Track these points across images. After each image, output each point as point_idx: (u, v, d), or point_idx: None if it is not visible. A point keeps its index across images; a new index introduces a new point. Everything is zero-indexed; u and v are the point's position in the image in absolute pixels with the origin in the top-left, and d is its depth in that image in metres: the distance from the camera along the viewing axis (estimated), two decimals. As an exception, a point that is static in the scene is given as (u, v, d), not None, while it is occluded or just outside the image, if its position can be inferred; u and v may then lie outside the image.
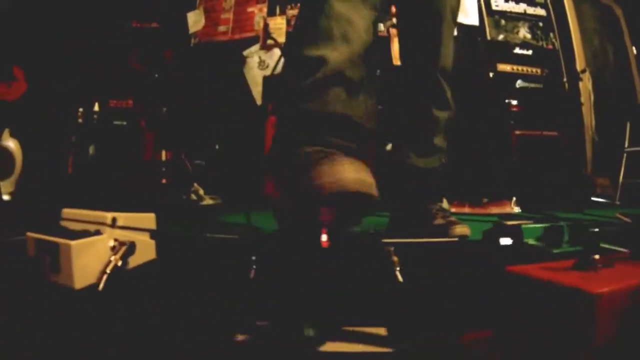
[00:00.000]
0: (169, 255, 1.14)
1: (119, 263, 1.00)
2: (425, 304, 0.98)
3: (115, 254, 1.01)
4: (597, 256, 0.93)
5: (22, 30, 3.78)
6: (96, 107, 4.04)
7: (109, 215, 1.09)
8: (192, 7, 4.54)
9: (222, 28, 4.42)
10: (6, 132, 3.51)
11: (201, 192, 3.29)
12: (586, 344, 0.80)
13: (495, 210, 2.90)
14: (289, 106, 1.35)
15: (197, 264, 1.15)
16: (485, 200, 3.04)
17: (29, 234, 1.12)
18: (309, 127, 1.26)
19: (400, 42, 2.30)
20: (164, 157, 3.64)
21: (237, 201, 3.17)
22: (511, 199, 3.02)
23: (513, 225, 1.25)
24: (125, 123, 3.88)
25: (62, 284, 1.01)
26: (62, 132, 3.96)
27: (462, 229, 1.74)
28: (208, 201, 3.26)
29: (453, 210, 2.83)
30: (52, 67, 3.92)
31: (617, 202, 3.60)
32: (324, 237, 0.98)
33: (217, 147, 3.88)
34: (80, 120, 4.01)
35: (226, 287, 1.05)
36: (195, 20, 4.54)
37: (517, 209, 2.97)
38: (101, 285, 0.97)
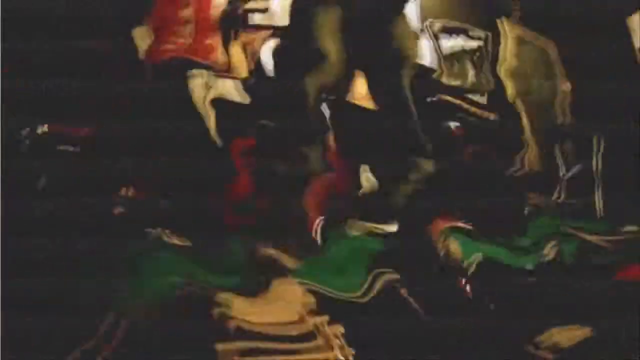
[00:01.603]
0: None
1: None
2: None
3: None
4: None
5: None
6: (45, 129, 3.79)
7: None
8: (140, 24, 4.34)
9: (170, 46, 4.26)
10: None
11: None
12: None
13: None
14: None
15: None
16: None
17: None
18: None
19: None
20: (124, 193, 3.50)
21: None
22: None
23: None
24: (78, 149, 3.68)
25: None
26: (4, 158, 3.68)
27: None
28: (176, 241, 3.26)
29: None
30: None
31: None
32: None
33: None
34: (27, 142, 3.75)
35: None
36: (141, 36, 4.35)
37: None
38: None
